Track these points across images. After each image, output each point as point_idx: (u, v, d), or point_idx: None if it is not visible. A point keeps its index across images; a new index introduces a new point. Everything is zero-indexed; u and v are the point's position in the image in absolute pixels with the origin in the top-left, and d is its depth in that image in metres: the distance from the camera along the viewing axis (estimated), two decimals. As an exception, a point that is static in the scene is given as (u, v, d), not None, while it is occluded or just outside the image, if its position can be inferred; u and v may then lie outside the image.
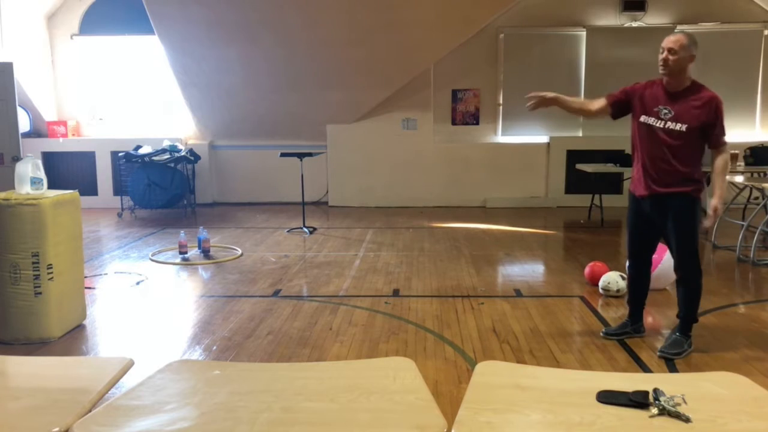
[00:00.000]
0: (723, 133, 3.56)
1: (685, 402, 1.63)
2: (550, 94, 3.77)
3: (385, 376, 1.88)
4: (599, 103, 3.82)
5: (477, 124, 9.47)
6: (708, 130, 3.52)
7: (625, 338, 3.96)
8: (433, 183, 9.50)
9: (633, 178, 3.80)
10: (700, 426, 1.56)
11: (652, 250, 3.94)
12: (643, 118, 3.62)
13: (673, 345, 3.73)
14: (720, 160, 3.60)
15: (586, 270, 5.30)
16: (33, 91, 9.13)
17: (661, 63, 3.48)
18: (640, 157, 3.69)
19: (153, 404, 1.71)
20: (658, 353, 3.72)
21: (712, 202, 3.53)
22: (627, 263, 4.01)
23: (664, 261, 4.88)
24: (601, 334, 4.05)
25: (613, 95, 3.77)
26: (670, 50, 3.44)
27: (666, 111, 3.54)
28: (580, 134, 9.14)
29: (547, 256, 6.49)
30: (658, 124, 3.56)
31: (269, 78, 8.80)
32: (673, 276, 4.97)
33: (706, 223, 3.59)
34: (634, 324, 4.00)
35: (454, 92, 9.42)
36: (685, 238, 3.64)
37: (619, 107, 3.76)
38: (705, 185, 3.73)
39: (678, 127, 3.51)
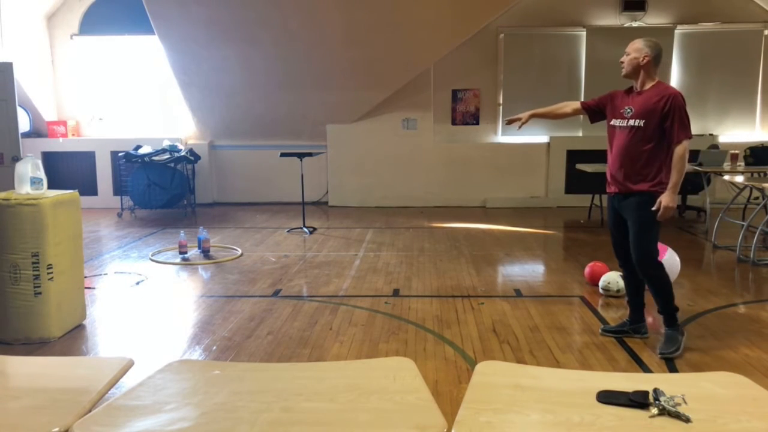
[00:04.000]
0: (681, 129, 3.56)
1: (685, 402, 1.63)
2: (524, 115, 3.95)
3: (385, 376, 1.88)
4: (574, 105, 4.05)
5: (477, 124, 9.47)
6: (664, 123, 3.58)
7: (624, 337, 3.97)
8: (433, 183, 9.50)
9: (607, 179, 3.91)
10: (700, 426, 1.56)
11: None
12: (612, 122, 3.79)
13: (668, 342, 3.76)
14: (674, 155, 3.60)
15: (586, 270, 5.30)
16: (33, 91, 9.13)
17: (621, 63, 3.73)
18: (610, 157, 3.83)
19: (153, 404, 1.71)
20: (658, 355, 3.72)
21: (663, 195, 3.60)
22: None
23: (664, 261, 4.87)
24: (600, 331, 4.07)
25: (586, 103, 4.00)
26: (626, 53, 3.69)
27: (629, 110, 3.69)
28: (580, 134, 9.15)
29: (547, 256, 6.49)
30: (622, 124, 3.72)
31: (269, 78, 8.80)
32: (674, 276, 5.00)
33: (659, 215, 3.64)
34: (634, 324, 3.99)
35: (454, 92, 9.42)
36: (640, 235, 3.72)
37: (593, 114, 3.95)
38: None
39: (637, 123, 3.64)
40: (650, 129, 3.60)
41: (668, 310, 3.78)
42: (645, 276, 3.80)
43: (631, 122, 3.66)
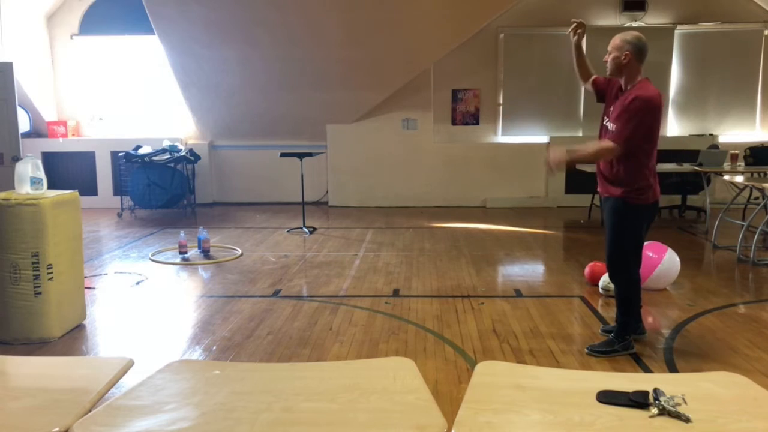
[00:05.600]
0: (624, 130, 3.39)
1: (685, 402, 1.63)
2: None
3: (385, 376, 1.88)
4: (591, 74, 3.89)
5: (477, 124, 9.47)
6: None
7: None
8: (433, 183, 9.50)
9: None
10: (700, 426, 1.56)
11: None
12: (603, 120, 3.68)
13: (604, 343, 3.74)
14: (603, 144, 3.51)
15: (586, 270, 5.30)
16: (33, 91, 9.13)
17: (604, 61, 3.58)
18: None
19: (153, 404, 1.71)
20: (586, 349, 3.73)
21: (552, 154, 3.52)
22: None
23: (664, 261, 4.89)
24: (600, 331, 4.07)
25: (597, 79, 3.84)
26: (608, 51, 3.54)
27: (611, 109, 3.60)
28: (580, 134, 9.14)
29: (547, 256, 6.49)
30: (606, 123, 3.62)
31: (269, 78, 8.80)
32: (673, 276, 5.01)
33: (548, 170, 3.62)
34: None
35: (454, 92, 9.42)
36: (610, 239, 3.65)
37: (598, 94, 3.81)
38: (651, 191, 3.56)
39: (612, 126, 3.52)
40: None
41: (620, 322, 3.71)
42: (612, 280, 3.75)
43: (609, 124, 3.56)
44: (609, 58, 3.53)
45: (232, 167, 9.68)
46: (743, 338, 3.99)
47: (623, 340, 3.71)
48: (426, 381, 1.84)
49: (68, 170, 9.41)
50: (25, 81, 8.81)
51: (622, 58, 3.47)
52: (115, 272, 5.78)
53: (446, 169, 9.47)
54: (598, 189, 3.81)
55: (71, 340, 4.06)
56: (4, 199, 3.87)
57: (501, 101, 9.35)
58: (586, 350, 3.74)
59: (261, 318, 4.44)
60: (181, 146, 9.01)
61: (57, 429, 1.57)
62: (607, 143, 3.50)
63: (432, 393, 1.77)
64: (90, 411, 1.67)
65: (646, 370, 3.53)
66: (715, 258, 6.33)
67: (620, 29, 8.96)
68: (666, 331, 4.11)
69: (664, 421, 1.58)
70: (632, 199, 3.53)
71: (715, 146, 8.32)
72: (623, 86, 3.57)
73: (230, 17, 8.06)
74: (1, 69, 7.45)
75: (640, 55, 3.48)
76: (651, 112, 3.41)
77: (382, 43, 8.36)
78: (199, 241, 6.34)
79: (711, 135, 9.20)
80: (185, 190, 8.86)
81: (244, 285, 5.31)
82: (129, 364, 1.97)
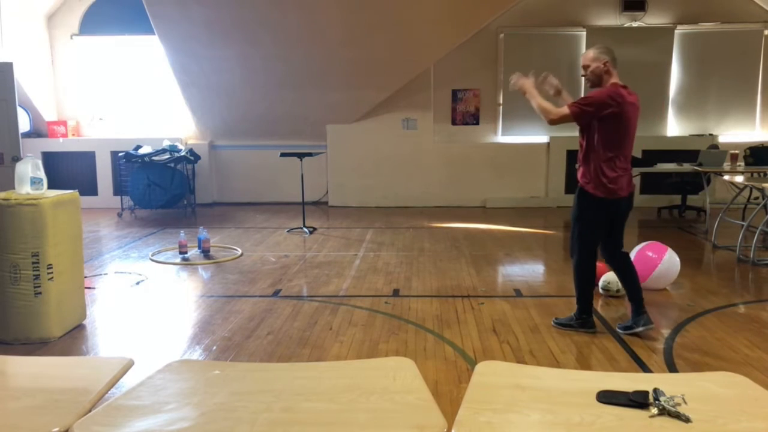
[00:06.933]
0: (574, 101, 3.80)
1: (685, 402, 1.63)
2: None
3: (385, 376, 1.88)
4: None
5: (477, 124, 9.47)
6: (594, 119, 3.78)
7: (635, 333, 4.00)
8: (433, 183, 9.50)
9: None
10: (700, 426, 1.56)
11: (610, 241, 4.07)
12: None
13: (567, 318, 4.18)
14: (557, 108, 3.85)
15: (586, 270, 5.29)
16: (33, 91, 9.13)
17: (583, 77, 3.95)
18: None
19: (153, 404, 1.71)
20: (553, 320, 4.22)
21: (515, 78, 3.99)
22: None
23: (663, 261, 4.89)
24: (618, 328, 4.12)
25: None
26: (584, 67, 3.89)
27: None
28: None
29: (547, 256, 6.49)
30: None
31: (269, 78, 8.80)
32: (673, 276, 5.01)
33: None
34: (636, 317, 4.07)
35: (454, 92, 9.42)
36: (573, 224, 4.03)
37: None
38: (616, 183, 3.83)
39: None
40: (589, 129, 3.82)
41: (579, 300, 4.10)
42: (574, 262, 4.08)
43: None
44: (588, 72, 3.86)
45: (232, 167, 9.69)
46: (743, 338, 3.99)
47: (582, 319, 4.11)
48: (426, 381, 1.84)
49: (68, 170, 9.41)
50: (25, 81, 8.81)
51: (602, 65, 3.82)
52: (115, 272, 5.78)
53: (446, 169, 9.47)
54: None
55: (71, 340, 4.06)
56: (4, 199, 3.87)
57: (501, 101, 9.35)
58: (553, 321, 4.24)
59: (261, 318, 4.44)
60: (181, 146, 9.02)
61: (57, 429, 1.57)
62: (560, 109, 3.83)
63: (432, 393, 1.77)
64: (90, 411, 1.67)
65: (646, 370, 3.53)
66: (715, 258, 6.33)
67: (620, 29, 9.05)
68: (666, 331, 4.11)
69: (664, 421, 1.58)
70: (588, 190, 3.88)
71: (715, 146, 8.32)
72: None
73: (230, 17, 8.06)
74: (1, 69, 7.45)
75: (615, 61, 3.85)
76: (596, 96, 3.74)
77: (382, 43, 8.36)
78: (199, 241, 6.35)
79: (711, 135, 9.20)
80: (185, 190, 8.87)
81: (244, 285, 5.31)
82: (129, 364, 1.97)
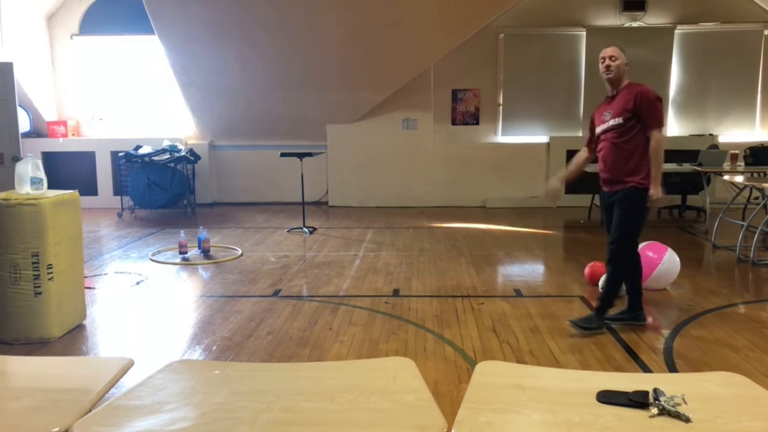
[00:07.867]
0: (653, 119, 3.83)
1: (685, 402, 1.63)
2: (557, 183, 4.28)
3: (385, 376, 1.88)
4: (584, 153, 4.33)
5: (477, 124, 9.47)
6: (640, 116, 3.84)
7: (623, 324, 4.18)
8: (433, 183, 9.50)
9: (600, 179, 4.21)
10: (700, 426, 1.56)
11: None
12: (597, 130, 4.10)
13: (586, 319, 4.10)
14: (652, 143, 3.87)
15: (586, 270, 5.30)
16: (33, 91, 9.13)
17: (604, 70, 3.98)
18: (600, 161, 4.13)
19: (153, 404, 1.71)
20: (568, 321, 4.15)
21: (650, 190, 3.88)
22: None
23: (664, 261, 4.89)
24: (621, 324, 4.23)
25: (588, 139, 4.30)
26: (611, 57, 3.96)
27: (608, 113, 4.00)
28: (580, 134, 9.13)
29: (547, 256, 6.49)
30: (605, 127, 4.00)
31: (269, 78, 8.80)
32: (673, 276, 5.01)
33: (652, 203, 3.93)
34: (632, 311, 4.24)
35: (454, 92, 9.42)
36: (620, 221, 3.97)
37: (594, 131, 4.21)
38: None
39: (616, 121, 3.92)
40: (629, 125, 3.87)
41: (602, 299, 4.10)
42: (612, 261, 4.05)
43: (612, 122, 3.94)
44: (614, 65, 3.93)
45: (232, 167, 9.69)
46: (743, 338, 3.99)
47: (601, 320, 4.11)
48: (426, 381, 1.84)
49: (68, 170, 9.41)
50: (25, 81, 8.81)
51: (624, 65, 3.96)
52: (115, 272, 5.78)
53: (446, 169, 9.47)
54: (606, 186, 4.10)
55: (71, 340, 4.06)
56: (4, 199, 3.87)
57: (501, 101, 9.35)
58: (568, 321, 4.16)
59: (261, 318, 4.44)
60: (181, 146, 9.02)
61: (57, 429, 1.56)
62: (655, 137, 3.83)
63: (432, 393, 1.77)
64: (90, 411, 1.67)
65: (646, 370, 3.53)
66: (715, 258, 6.33)
67: (620, 29, 9.05)
68: (666, 331, 4.11)
69: (664, 421, 1.58)
70: (642, 186, 3.89)
71: (715, 146, 8.32)
72: (613, 92, 4.02)
73: (230, 17, 8.07)
74: (1, 69, 7.45)
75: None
76: (657, 100, 3.87)
77: (382, 43, 8.36)
78: (199, 241, 6.35)
79: (711, 135, 9.19)
80: (185, 190, 8.87)
81: (244, 285, 5.31)
82: (129, 364, 1.97)
